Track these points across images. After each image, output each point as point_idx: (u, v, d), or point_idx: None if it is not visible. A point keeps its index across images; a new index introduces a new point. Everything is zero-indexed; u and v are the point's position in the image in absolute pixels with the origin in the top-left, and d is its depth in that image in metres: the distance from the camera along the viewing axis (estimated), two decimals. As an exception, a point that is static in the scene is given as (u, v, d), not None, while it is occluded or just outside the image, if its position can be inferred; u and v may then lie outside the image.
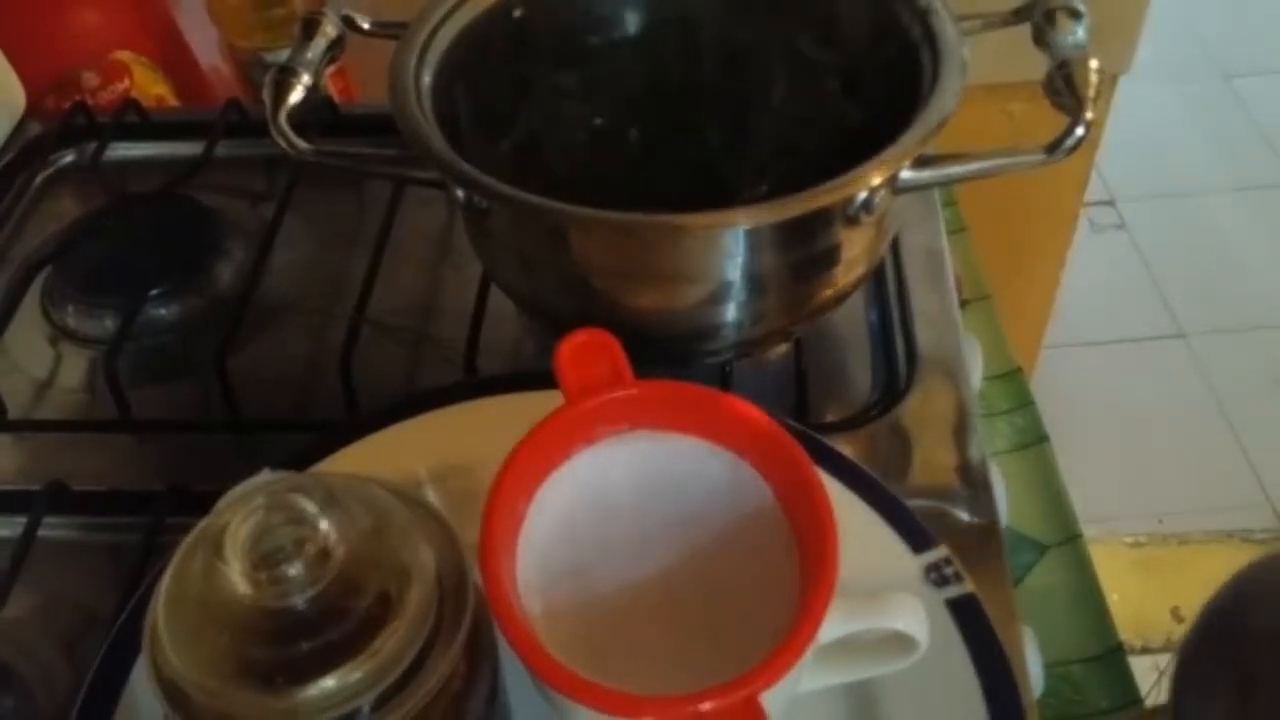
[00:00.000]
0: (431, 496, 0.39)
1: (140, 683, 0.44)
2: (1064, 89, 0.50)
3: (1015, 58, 0.54)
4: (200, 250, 0.68)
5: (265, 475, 0.43)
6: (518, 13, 0.60)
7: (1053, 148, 0.49)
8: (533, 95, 0.62)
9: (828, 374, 0.60)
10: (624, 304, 0.52)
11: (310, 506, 0.34)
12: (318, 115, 0.72)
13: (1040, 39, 0.53)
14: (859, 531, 0.43)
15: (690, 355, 0.56)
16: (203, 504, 0.37)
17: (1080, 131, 0.49)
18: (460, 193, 0.50)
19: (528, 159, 0.61)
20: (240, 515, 0.33)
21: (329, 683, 0.32)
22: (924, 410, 0.57)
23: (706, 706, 0.35)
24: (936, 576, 0.46)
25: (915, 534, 0.48)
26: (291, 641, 0.33)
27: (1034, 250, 1.21)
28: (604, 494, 0.43)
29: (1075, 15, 0.52)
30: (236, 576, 0.32)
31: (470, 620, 0.35)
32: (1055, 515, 0.62)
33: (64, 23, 0.82)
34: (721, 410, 0.43)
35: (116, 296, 0.64)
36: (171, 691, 0.34)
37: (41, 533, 0.54)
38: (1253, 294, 1.92)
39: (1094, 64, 0.50)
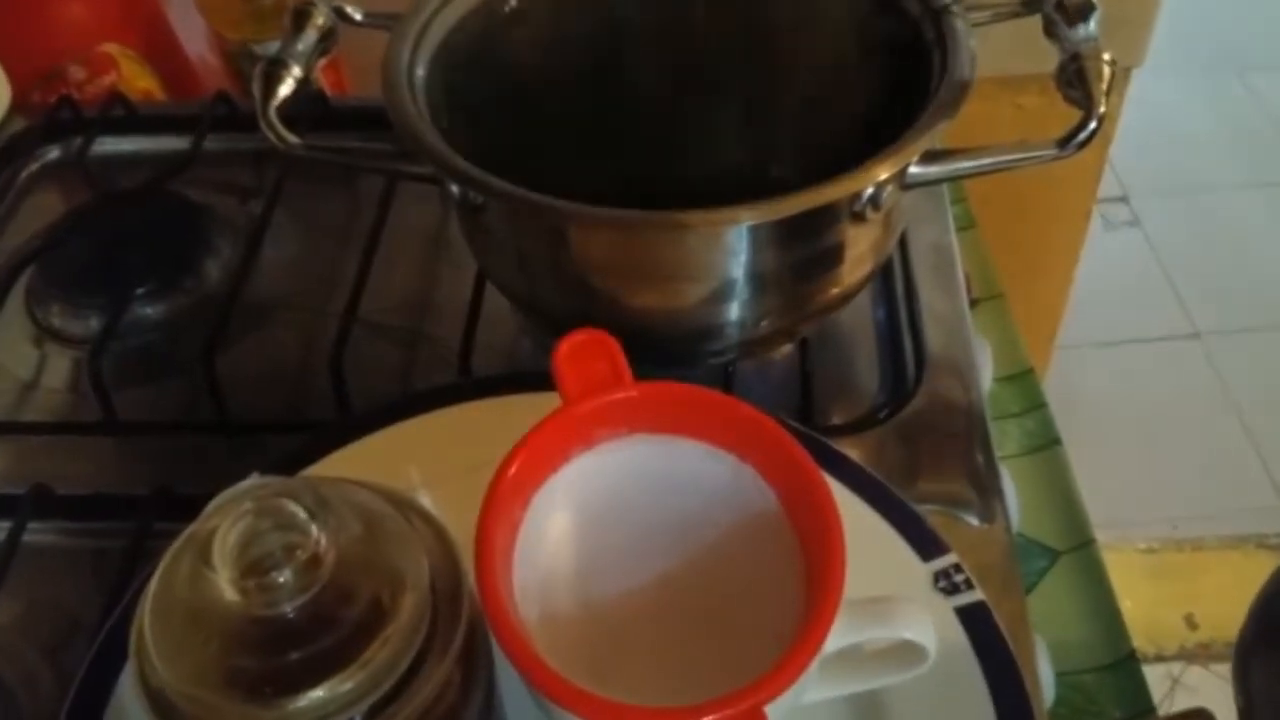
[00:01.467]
0: (425, 501, 0.39)
1: (126, 691, 0.44)
2: (1076, 82, 0.50)
3: (1026, 50, 0.55)
4: (188, 247, 0.68)
5: (254, 479, 0.43)
6: (513, 3, 0.59)
7: (1064, 142, 0.49)
8: (529, 88, 0.62)
9: (834, 375, 0.60)
10: (624, 303, 0.52)
11: (300, 512, 0.33)
12: (309, 108, 0.72)
13: (1051, 31, 0.52)
14: (866, 538, 0.43)
15: (692, 356, 0.56)
16: (190, 508, 0.36)
17: (1093, 125, 0.48)
18: (455, 188, 0.50)
19: (524, 154, 0.60)
20: (228, 520, 0.33)
21: (319, 693, 0.32)
22: (933, 413, 0.57)
23: (710, 719, 0.34)
24: (946, 584, 0.46)
25: (924, 540, 0.47)
26: (281, 651, 0.32)
27: (1046, 247, 1.21)
28: (603, 499, 0.42)
29: (1087, 6, 0.52)
30: (224, 584, 0.32)
31: (465, 628, 0.35)
32: (1067, 520, 0.62)
33: (50, 16, 0.82)
34: (724, 412, 0.42)
35: (102, 295, 0.64)
36: (158, 701, 0.33)
37: (25, 537, 0.54)
38: (1269, 292, 1.92)
39: (1106, 57, 0.50)
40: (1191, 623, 1.48)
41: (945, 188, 0.69)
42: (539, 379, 0.45)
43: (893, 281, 0.63)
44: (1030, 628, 0.49)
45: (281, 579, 0.32)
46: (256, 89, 0.52)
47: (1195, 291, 1.93)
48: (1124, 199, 2.08)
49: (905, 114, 0.50)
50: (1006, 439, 0.66)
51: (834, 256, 0.52)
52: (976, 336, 0.61)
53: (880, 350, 0.61)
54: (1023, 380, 0.69)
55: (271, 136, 0.52)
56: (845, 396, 0.59)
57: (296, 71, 0.53)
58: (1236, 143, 2.19)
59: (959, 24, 0.53)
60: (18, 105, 0.79)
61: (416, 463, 0.50)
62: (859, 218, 0.49)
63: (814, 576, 0.39)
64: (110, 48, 0.83)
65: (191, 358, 0.59)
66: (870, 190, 0.48)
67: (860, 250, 0.52)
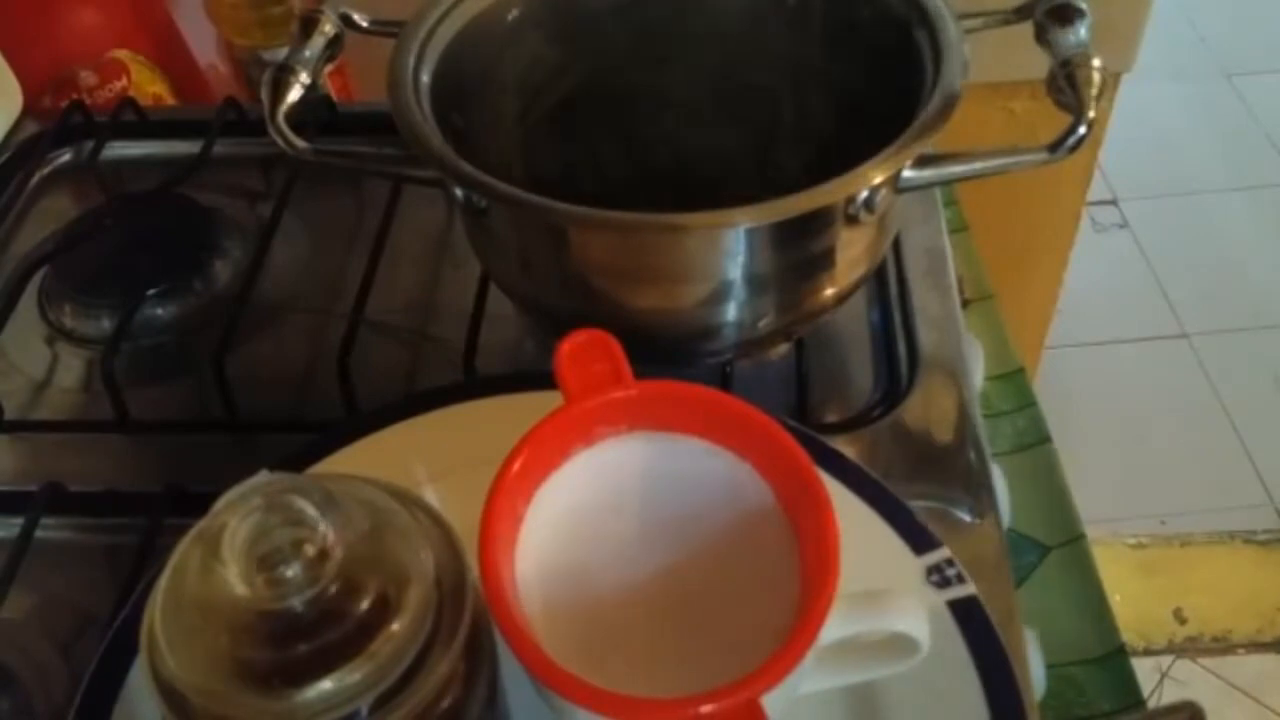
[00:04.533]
0: (430, 497, 0.39)
1: (137, 684, 0.44)
2: (1066, 88, 0.50)
3: (1017, 56, 0.54)
4: (198, 250, 0.68)
5: (263, 476, 0.43)
6: (516, 11, 0.60)
7: (1055, 146, 0.49)
8: (531, 93, 0.62)
9: (829, 374, 0.60)
10: (624, 304, 0.52)
11: (308, 508, 0.33)
12: (316, 114, 0.72)
13: (1042, 37, 0.53)
14: (860, 533, 0.43)
15: (691, 355, 0.56)
16: (200, 505, 0.36)
17: (1082, 130, 0.49)
18: (459, 192, 0.50)
19: (527, 158, 0.61)
20: (238, 516, 0.33)
21: (327, 685, 0.32)
22: (925, 411, 0.57)
23: (707, 709, 0.35)
24: (938, 578, 0.46)
25: (917, 535, 0.47)
26: (289, 643, 0.32)
27: (1036, 250, 1.21)
28: (604, 495, 0.43)
29: (1077, 13, 0.52)
30: (234, 578, 0.32)
31: (469, 622, 0.35)
32: (1057, 516, 0.62)
33: (61, 21, 0.82)
34: (722, 411, 0.42)
35: (114, 296, 0.64)
36: (169, 693, 0.33)
37: (38, 534, 0.54)
38: (1256, 294, 1.92)
39: (1096, 62, 0.50)
40: (1180, 617, 1.48)
41: (938, 191, 0.69)
42: (541, 378, 0.45)
43: (887, 283, 0.63)
44: (1021, 621, 0.49)
45: (290, 573, 0.32)
46: (265, 95, 0.52)
47: (1183, 293, 1.93)
48: (1113, 202, 2.07)
49: (899, 119, 0.50)
50: (998, 436, 0.66)
51: (829, 259, 0.52)
52: (968, 337, 0.61)
53: (874, 350, 0.61)
54: (1013, 379, 0.69)
55: (280, 141, 0.52)
56: (840, 395, 0.59)
57: (304, 77, 0.53)
58: (1223, 147, 2.18)
59: (952, 30, 0.53)
60: (30, 110, 0.78)
61: (421, 460, 0.51)
62: (854, 221, 0.49)
63: (809, 570, 0.39)
64: (121, 54, 0.83)
65: (202, 358, 0.59)
66: (865, 193, 0.48)
67: (855, 253, 0.52)
